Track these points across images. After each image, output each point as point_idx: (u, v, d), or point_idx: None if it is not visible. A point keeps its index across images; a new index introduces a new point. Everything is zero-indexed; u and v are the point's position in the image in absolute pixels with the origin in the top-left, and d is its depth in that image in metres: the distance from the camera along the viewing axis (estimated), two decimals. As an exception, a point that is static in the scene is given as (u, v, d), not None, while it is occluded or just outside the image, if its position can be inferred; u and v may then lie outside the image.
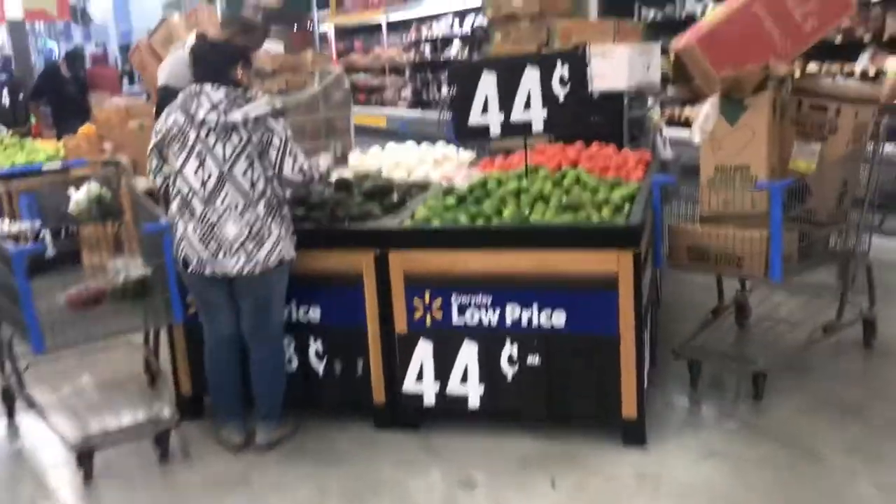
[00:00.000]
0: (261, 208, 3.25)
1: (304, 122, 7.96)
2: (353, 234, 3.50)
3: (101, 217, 3.89)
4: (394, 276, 3.43)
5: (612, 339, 3.25)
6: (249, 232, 3.23)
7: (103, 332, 3.42)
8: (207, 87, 3.21)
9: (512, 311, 3.34)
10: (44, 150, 7.07)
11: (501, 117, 3.67)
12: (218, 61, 3.26)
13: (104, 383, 4.25)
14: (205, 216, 3.21)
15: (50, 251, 3.60)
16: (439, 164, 4.50)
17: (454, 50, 12.26)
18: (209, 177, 3.20)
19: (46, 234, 3.95)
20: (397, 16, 13.61)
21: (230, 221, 3.21)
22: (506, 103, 3.64)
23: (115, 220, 3.95)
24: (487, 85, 3.64)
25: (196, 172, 3.21)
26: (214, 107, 3.18)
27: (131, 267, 3.90)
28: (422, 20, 13.20)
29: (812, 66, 6.78)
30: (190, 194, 3.23)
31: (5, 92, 7.08)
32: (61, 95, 8.58)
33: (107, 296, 3.88)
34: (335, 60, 14.81)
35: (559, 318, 3.29)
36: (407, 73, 13.62)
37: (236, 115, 3.18)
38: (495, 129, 3.68)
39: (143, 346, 4.18)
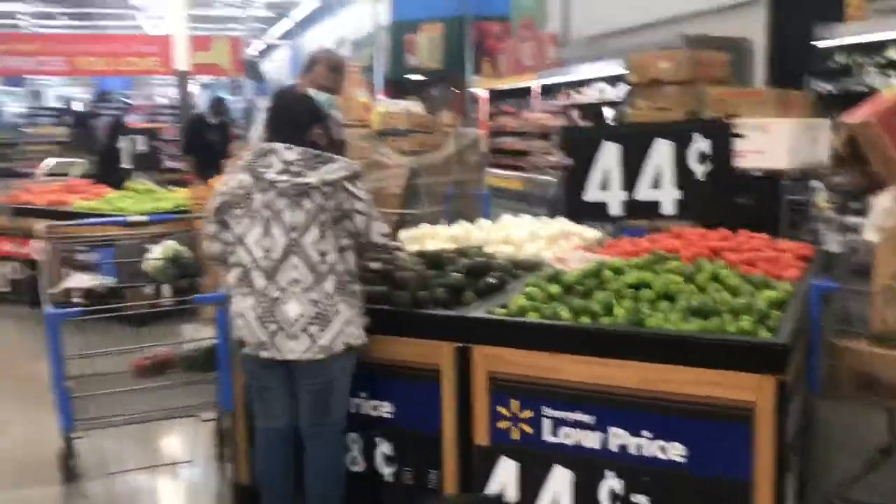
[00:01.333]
0: (329, 284, 2.81)
1: (436, 184, 7.63)
2: (434, 321, 2.98)
3: (177, 277, 3.60)
4: (476, 376, 2.87)
5: (744, 484, 2.53)
6: (314, 312, 2.79)
7: (144, 415, 3.06)
8: (279, 146, 2.83)
9: (617, 436, 2.69)
10: (172, 199, 7.08)
11: (624, 195, 3.08)
12: (295, 119, 2.89)
13: (168, 454, 3.91)
14: (266, 292, 2.80)
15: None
16: (554, 242, 3.93)
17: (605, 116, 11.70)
18: (274, 246, 2.80)
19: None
20: (549, 80, 13.23)
21: (293, 299, 2.78)
22: (630, 179, 3.05)
23: (191, 281, 3.65)
24: (609, 157, 3.07)
25: (260, 241, 2.81)
26: (286, 168, 2.79)
27: (204, 335, 3.57)
28: (572, 85, 12.76)
29: None
30: (252, 266, 2.83)
31: (145, 139, 7.16)
32: (205, 142, 8.69)
33: (174, 364, 3.57)
34: (483, 123, 14.61)
35: (677, 452, 2.61)
36: (553, 138, 13.15)
37: (312, 178, 2.78)
38: (615, 209, 3.10)
39: (216, 420, 3.82)
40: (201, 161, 8.60)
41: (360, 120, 7.77)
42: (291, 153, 2.81)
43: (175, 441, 3.96)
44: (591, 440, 2.73)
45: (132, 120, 15.66)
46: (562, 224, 4.22)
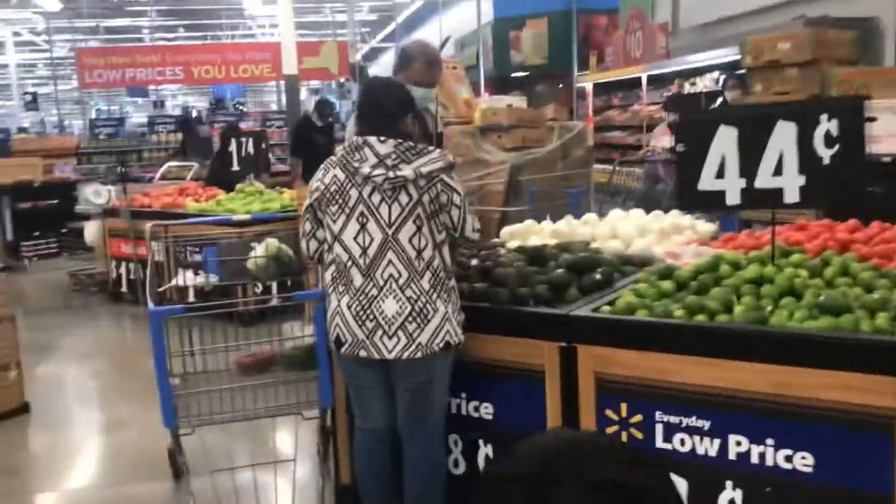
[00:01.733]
0: (425, 281, 2.72)
1: (539, 180, 7.46)
2: (537, 319, 2.84)
3: (278, 275, 3.59)
4: (582, 378, 2.72)
5: (884, 499, 2.28)
6: (412, 309, 2.70)
7: (247, 412, 3.05)
8: (372, 139, 2.75)
9: (737, 444, 2.48)
10: (279, 200, 7.20)
11: (742, 183, 2.84)
12: (388, 109, 2.81)
13: (272, 452, 3.92)
14: (363, 289, 2.74)
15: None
16: (666, 237, 3.71)
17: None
18: (371, 242, 2.73)
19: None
20: (658, 70, 12.80)
21: (390, 296, 2.71)
22: (749, 165, 2.82)
23: (293, 280, 3.64)
24: (726, 142, 2.84)
25: (356, 237, 2.75)
26: (381, 161, 2.71)
27: (305, 332, 3.55)
28: (684, 74, 12.28)
29: None
30: (348, 263, 2.77)
31: (251, 141, 7.31)
32: (311, 144, 8.82)
33: (276, 362, 3.56)
34: (590, 118, 14.30)
35: (804, 462, 2.38)
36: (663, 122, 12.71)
37: (407, 171, 2.69)
38: (733, 198, 2.86)
39: (318, 419, 3.80)
40: (307, 162, 8.73)
41: (463, 117, 7.68)
42: (384, 146, 2.73)
43: (279, 439, 3.97)
44: (707, 447, 2.53)
45: (245, 125, 16.20)
46: (673, 217, 4.01)
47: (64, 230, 10.20)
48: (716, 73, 11.62)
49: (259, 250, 3.55)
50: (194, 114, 22.71)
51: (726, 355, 2.50)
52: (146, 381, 5.66)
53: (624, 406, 2.65)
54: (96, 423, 5.01)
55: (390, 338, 2.71)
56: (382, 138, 2.74)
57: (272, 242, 3.55)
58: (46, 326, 7.29)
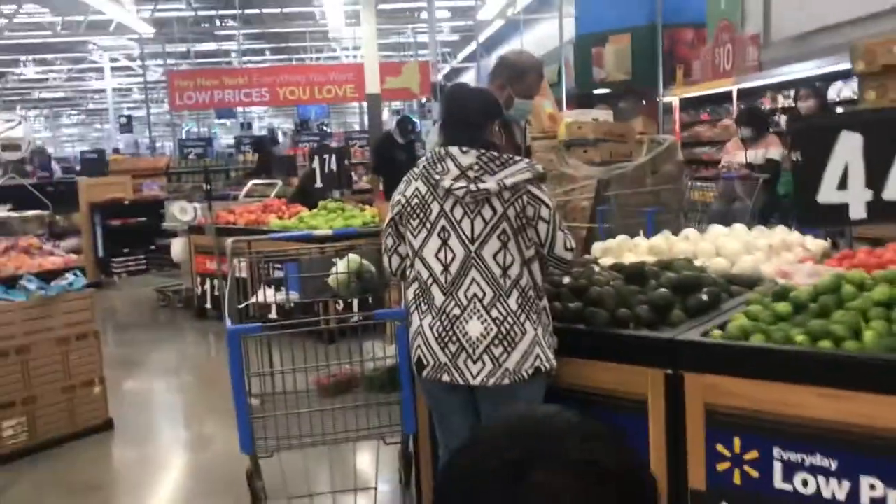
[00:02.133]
0: (512, 301, 2.52)
1: (628, 194, 7.19)
2: (639, 344, 2.61)
3: (359, 292, 3.45)
4: (690, 409, 2.47)
5: None
6: (497, 331, 2.51)
7: (326, 436, 2.90)
8: (454, 149, 2.58)
9: (870, 487, 2.19)
10: (361, 216, 7.13)
11: (868, 194, 2.57)
12: (472, 118, 2.63)
13: (352, 478, 3.77)
14: (445, 308, 2.56)
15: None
16: (774, 254, 3.42)
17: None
18: (453, 259, 2.55)
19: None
20: (749, 84, 12.31)
21: (475, 316, 2.52)
22: (877, 175, 2.54)
23: (374, 297, 3.50)
24: (849, 149, 2.57)
25: (438, 254, 2.58)
26: (463, 173, 2.53)
27: (388, 353, 3.40)
28: (776, 87, 11.77)
29: None
30: (429, 280, 2.60)
31: (333, 158, 7.28)
32: (393, 162, 8.75)
33: (358, 383, 3.42)
34: (677, 133, 13.86)
35: (953, 512, 2.08)
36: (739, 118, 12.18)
37: (491, 183, 2.51)
38: (858, 211, 2.58)
39: (400, 444, 3.64)
40: (389, 179, 8.66)
41: (547, 131, 7.49)
42: (467, 157, 2.55)
43: (360, 464, 3.81)
44: (835, 490, 2.25)
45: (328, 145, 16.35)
46: (781, 233, 3.71)
47: (152, 247, 10.41)
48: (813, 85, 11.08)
49: (340, 266, 3.43)
50: (279, 135, 23.16)
51: (857, 387, 2.21)
52: (230, 398, 5.64)
53: (737, 441, 2.39)
54: (180, 440, 4.98)
55: (475, 362, 2.52)
56: (465, 148, 2.57)
57: (354, 258, 3.42)
58: (133, 342, 7.39)
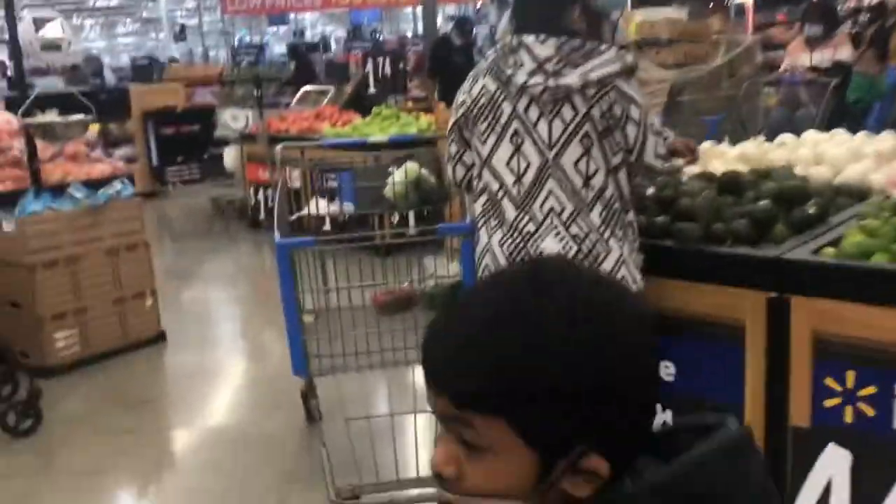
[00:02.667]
0: (595, 215, 2.22)
1: (702, 100, 6.69)
2: (736, 263, 2.29)
3: (418, 204, 3.18)
4: (796, 337, 2.16)
5: None
6: (578, 249, 2.21)
7: (384, 357, 2.68)
8: (529, 38, 2.23)
9: None
10: (416, 124, 6.80)
11: None
12: (548, 1, 2.26)
13: (413, 399, 3.58)
14: (517, 224, 2.26)
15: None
16: (886, 161, 3.02)
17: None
18: (527, 168, 2.24)
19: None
20: (834, -20, 11.39)
21: (551, 233, 2.22)
22: None
23: (434, 209, 3.23)
24: None
25: (510, 162, 2.26)
26: (540, 67, 2.19)
27: (449, 269, 3.14)
28: (865, -16, 10.86)
29: None
30: (500, 192, 2.29)
31: (388, 62, 6.91)
32: (449, 65, 8.32)
33: (417, 301, 3.18)
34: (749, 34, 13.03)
35: None
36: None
37: (572, 78, 2.17)
38: None
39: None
40: (445, 84, 8.26)
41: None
42: (545, 47, 2.20)
43: (419, 385, 3.62)
44: (969, 434, 1.95)
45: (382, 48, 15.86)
46: (891, 139, 3.29)
47: (206, 156, 10.27)
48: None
49: (397, 176, 3.15)
50: (331, 43, 22.63)
51: None
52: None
53: (851, 375, 2.09)
54: (233, 354, 4.87)
55: (551, 283, 2.24)
56: (542, 37, 2.21)
57: (412, 167, 3.14)
58: (186, 252, 7.30)
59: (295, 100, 9.20)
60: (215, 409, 4.04)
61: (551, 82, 2.17)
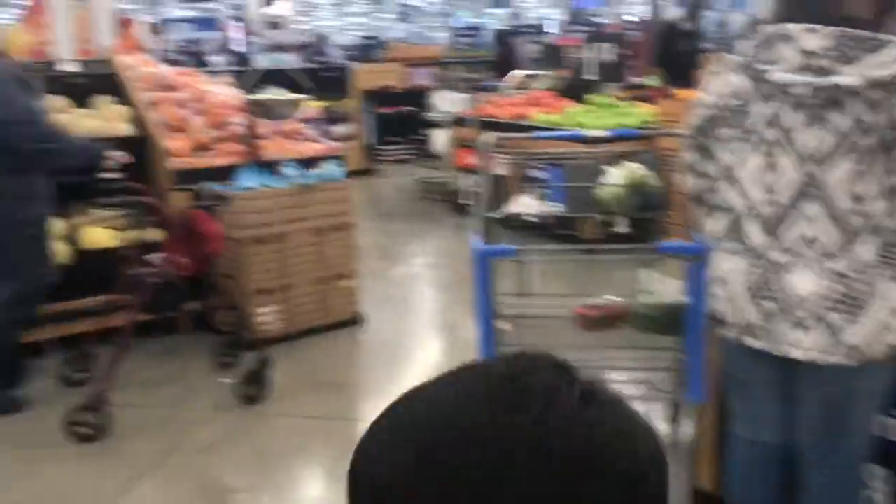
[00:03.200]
0: (865, 249, 1.79)
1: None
2: None
3: (637, 209, 2.83)
4: None
5: None
6: (840, 290, 1.79)
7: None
8: (795, 27, 1.81)
9: None
10: (637, 115, 6.36)
11: None
12: None
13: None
14: (764, 252, 1.87)
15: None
16: None
17: None
18: (782, 184, 1.84)
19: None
20: None
21: (806, 267, 1.82)
22: None
23: (655, 217, 2.87)
24: None
25: (760, 176, 1.87)
26: (807, 62, 1.78)
27: (668, 287, 2.78)
28: None
29: None
30: (745, 211, 1.91)
31: (608, 47, 6.50)
32: (675, 52, 7.78)
33: (627, 319, 2.85)
34: None
35: None
36: None
37: (850, 77, 1.74)
38: None
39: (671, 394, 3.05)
40: (670, 72, 7.73)
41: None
42: (816, 38, 1.77)
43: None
44: None
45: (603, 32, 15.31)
46: None
47: (418, 137, 10.38)
48: None
49: (615, 176, 2.82)
50: (553, 28, 22.27)
51: None
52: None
53: None
54: (432, 341, 4.76)
55: (801, 329, 1.83)
56: (813, 26, 1.79)
57: (633, 167, 2.79)
58: (390, 232, 7.35)
59: (506, 84, 9.01)
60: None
61: (821, 81, 1.76)
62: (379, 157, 10.50)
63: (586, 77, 6.71)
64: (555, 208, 2.99)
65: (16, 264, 3.56)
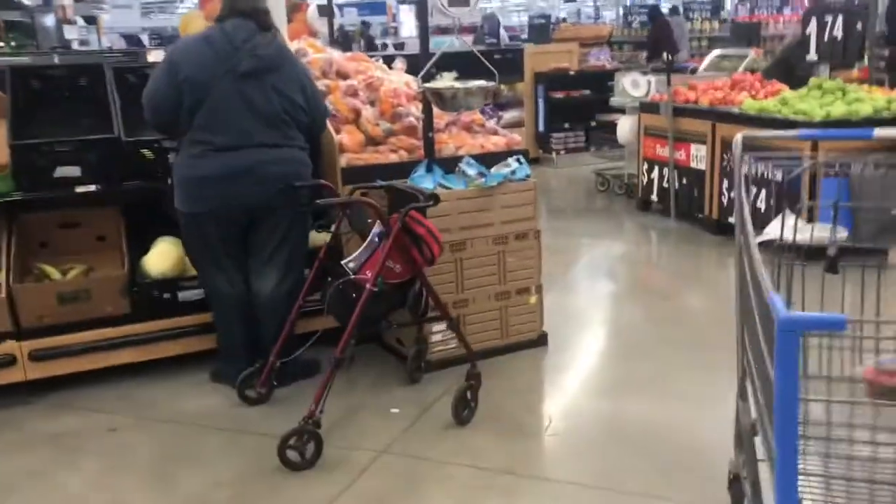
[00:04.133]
0: None
1: None
2: None
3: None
4: None
5: None
6: None
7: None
8: None
9: None
10: (872, 101, 5.33)
11: None
12: None
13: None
14: None
15: None
16: None
17: None
18: None
19: None
20: None
21: None
22: None
23: None
24: None
25: None
26: None
27: None
28: None
29: None
30: None
31: (839, 23, 5.48)
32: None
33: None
34: None
35: None
36: None
37: None
38: None
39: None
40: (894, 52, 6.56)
41: None
42: None
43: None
44: None
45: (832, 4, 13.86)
46: None
47: (593, 123, 9.62)
48: None
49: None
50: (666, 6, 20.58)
51: None
52: (689, 320, 4.52)
53: None
54: (625, 372, 3.90)
55: None
56: None
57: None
58: (566, 231, 6.65)
59: (703, 65, 8.07)
60: (587, 454, 3.22)
61: None
62: (550, 146, 9.81)
63: (807, 57, 5.71)
64: (841, 234, 2.22)
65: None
